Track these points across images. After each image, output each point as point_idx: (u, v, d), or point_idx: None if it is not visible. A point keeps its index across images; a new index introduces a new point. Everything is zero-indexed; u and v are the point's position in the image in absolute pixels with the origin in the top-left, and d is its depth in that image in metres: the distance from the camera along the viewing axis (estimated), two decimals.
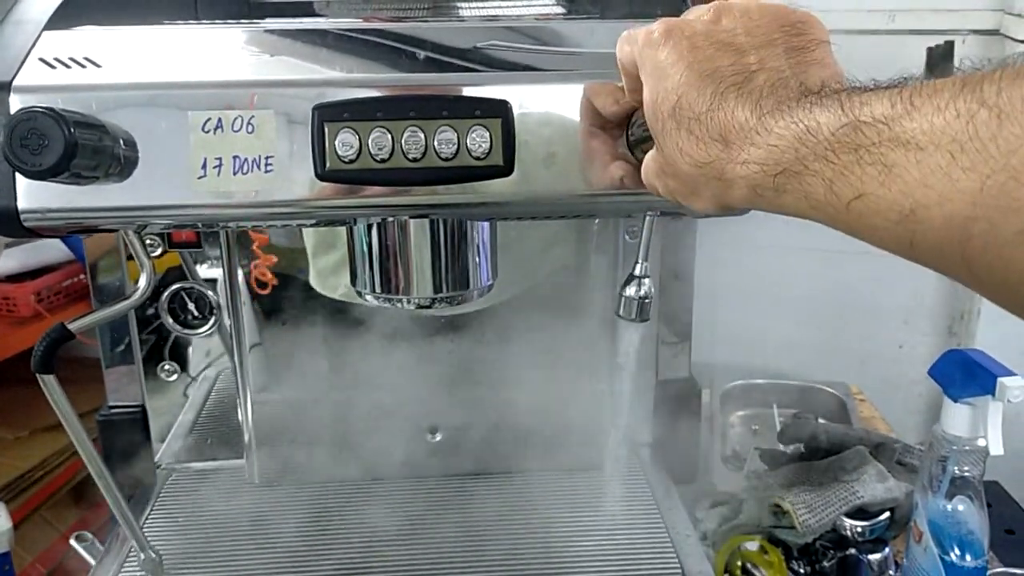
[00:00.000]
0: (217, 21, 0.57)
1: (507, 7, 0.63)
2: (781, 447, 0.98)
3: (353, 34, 0.56)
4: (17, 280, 1.45)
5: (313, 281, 0.81)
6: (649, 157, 0.45)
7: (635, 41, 0.43)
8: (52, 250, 1.49)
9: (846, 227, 0.34)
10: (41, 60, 0.52)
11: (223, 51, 0.55)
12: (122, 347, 0.85)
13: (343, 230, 0.66)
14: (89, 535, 0.78)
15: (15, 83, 0.51)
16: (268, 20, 0.58)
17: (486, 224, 0.61)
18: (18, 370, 1.32)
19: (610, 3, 0.62)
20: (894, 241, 0.32)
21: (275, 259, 0.80)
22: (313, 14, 0.61)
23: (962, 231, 0.29)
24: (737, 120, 0.37)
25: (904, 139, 0.30)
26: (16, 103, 0.50)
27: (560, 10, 0.64)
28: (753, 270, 1.36)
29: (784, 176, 0.35)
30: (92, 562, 0.75)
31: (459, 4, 0.64)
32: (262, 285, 0.81)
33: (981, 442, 0.67)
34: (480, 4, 0.64)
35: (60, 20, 0.54)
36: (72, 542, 0.77)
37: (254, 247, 0.79)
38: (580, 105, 0.52)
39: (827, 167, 0.33)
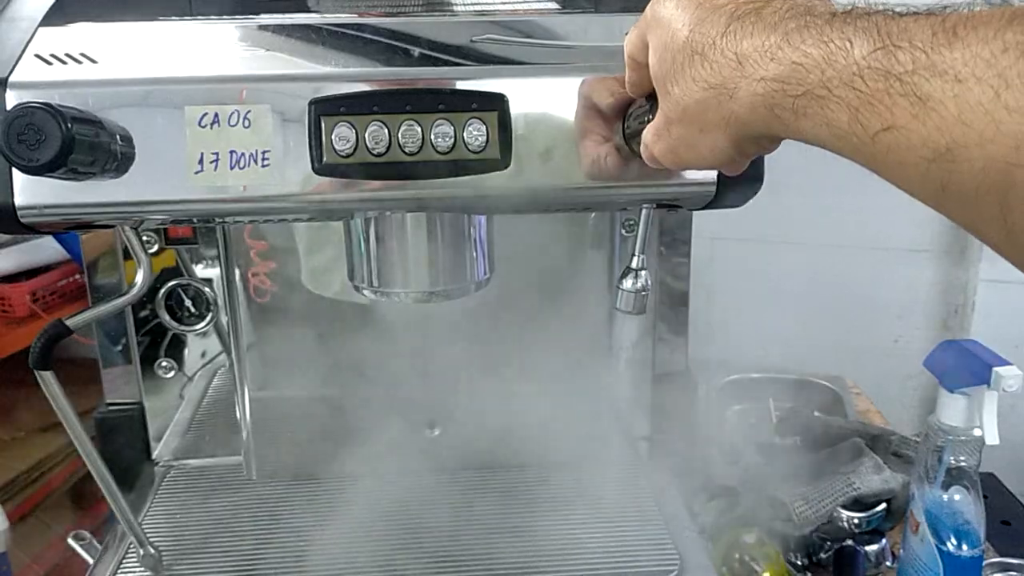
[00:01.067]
0: (212, 16, 0.57)
1: (502, 2, 0.64)
2: (778, 440, 0.99)
3: (348, 29, 0.56)
4: (13, 280, 1.45)
5: (305, 280, 0.81)
6: (649, 126, 0.44)
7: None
8: (48, 250, 1.49)
9: (871, 161, 0.32)
10: (37, 56, 0.52)
11: (219, 46, 0.55)
12: (120, 346, 0.85)
13: (336, 228, 0.66)
14: (87, 534, 0.77)
15: (11, 79, 0.51)
16: (263, 15, 0.58)
17: (483, 218, 0.61)
18: (14, 371, 1.32)
19: None
20: (923, 182, 0.30)
21: (273, 264, 0.80)
22: (308, 9, 0.62)
23: (1004, 177, 0.26)
24: (756, 40, 0.35)
25: (942, 68, 0.28)
26: (13, 99, 0.50)
27: (555, 5, 0.64)
28: (749, 265, 1.37)
29: (806, 99, 0.33)
30: (90, 560, 0.75)
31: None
32: (261, 293, 0.80)
33: (977, 432, 0.68)
34: None
35: (56, 16, 0.54)
36: (70, 541, 0.77)
37: (252, 254, 0.79)
38: (576, 98, 0.53)
39: (853, 94, 0.30)
